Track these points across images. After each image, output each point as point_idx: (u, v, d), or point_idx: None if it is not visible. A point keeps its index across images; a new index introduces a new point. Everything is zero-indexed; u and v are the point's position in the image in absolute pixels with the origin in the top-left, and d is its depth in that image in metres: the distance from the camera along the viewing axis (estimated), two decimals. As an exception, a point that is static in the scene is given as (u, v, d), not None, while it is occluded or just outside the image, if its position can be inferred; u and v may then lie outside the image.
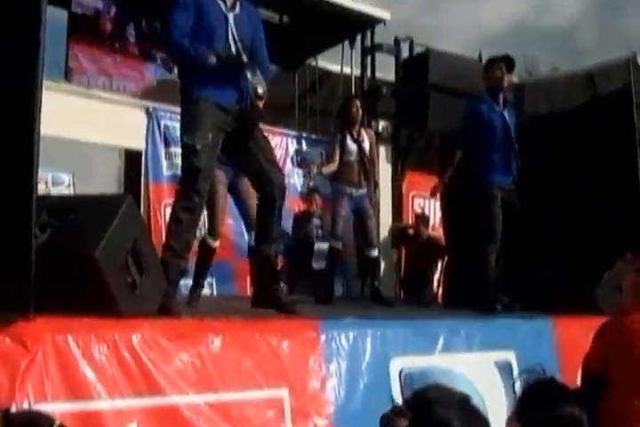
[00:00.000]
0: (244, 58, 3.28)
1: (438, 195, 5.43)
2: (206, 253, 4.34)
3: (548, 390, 1.68)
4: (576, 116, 5.74)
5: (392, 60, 8.05)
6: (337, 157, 5.10)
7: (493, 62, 4.91)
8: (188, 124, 3.25)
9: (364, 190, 5.14)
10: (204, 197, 3.26)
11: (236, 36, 3.29)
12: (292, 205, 6.96)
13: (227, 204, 4.49)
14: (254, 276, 3.84)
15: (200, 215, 3.29)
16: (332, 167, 5.13)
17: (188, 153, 3.18)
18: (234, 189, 4.41)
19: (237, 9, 3.35)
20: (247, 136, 3.33)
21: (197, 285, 4.30)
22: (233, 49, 3.27)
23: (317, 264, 6.10)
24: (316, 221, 6.68)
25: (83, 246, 2.45)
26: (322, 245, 6.15)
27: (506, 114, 4.87)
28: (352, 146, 5.13)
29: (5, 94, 2.31)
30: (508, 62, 4.86)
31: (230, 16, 3.30)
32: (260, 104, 3.51)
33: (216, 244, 4.35)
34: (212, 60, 3.17)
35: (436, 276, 7.15)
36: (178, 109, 6.07)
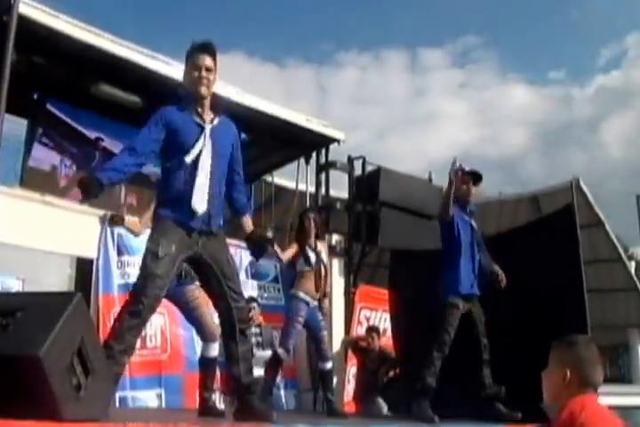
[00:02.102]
0: (216, 175, 3.35)
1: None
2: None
3: None
4: (522, 235, 5.98)
5: (345, 177, 8.38)
6: (295, 249, 5.25)
7: (462, 175, 5.09)
8: (154, 232, 3.29)
9: (316, 302, 5.19)
10: (154, 305, 3.21)
11: (210, 147, 3.35)
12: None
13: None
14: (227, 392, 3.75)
15: (146, 321, 3.21)
16: (289, 253, 5.22)
17: (149, 258, 3.19)
18: (184, 298, 4.40)
19: (216, 122, 3.45)
20: (212, 259, 3.37)
21: None
22: (207, 160, 3.31)
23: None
24: (254, 329, 6.66)
25: (28, 346, 2.39)
26: (260, 353, 6.10)
27: (474, 223, 5.11)
28: (312, 256, 5.25)
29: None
30: (474, 176, 5.12)
31: (207, 127, 3.39)
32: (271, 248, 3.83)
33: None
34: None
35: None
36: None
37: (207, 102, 3.45)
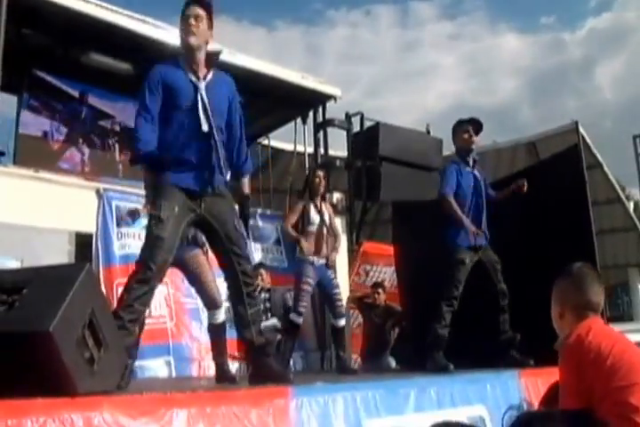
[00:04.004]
0: (214, 132, 3.31)
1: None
2: None
3: (539, 416, 1.68)
4: (526, 178, 5.94)
5: (343, 135, 8.31)
6: (298, 213, 5.26)
7: (461, 125, 5.07)
8: (154, 196, 3.27)
9: (323, 260, 5.19)
10: (162, 270, 3.20)
11: (207, 106, 3.30)
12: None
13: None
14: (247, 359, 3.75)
15: (153, 290, 3.20)
16: (292, 219, 5.26)
17: (152, 223, 3.17)
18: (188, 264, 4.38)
19: (209, 78, 3.38)
20: (217, 221, 3.35)
21: None
22: (204, 121, 3.28)
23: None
24: (263, 295, 6.70)
25: (36, 322, 2.38)
26: (266, 323, 6.16)
27: (477, 173, 5.06)
28: (315, 216, 5.26)
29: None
30: (475, 125, 5.06)
31: (201, 86, 3.33)
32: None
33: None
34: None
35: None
36: (129, 190, 6.15)
37: (201, 57, 3.39)
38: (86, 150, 7.83)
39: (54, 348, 2.34)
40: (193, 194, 3.28)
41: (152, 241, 3.14)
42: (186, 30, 3.33)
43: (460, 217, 4.83)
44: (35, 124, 7.46)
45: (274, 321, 5.94)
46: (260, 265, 7.04)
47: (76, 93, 7.80)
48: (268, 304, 6.65)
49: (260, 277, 6.81)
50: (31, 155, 7.07)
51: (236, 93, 3.56)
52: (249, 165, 3.65)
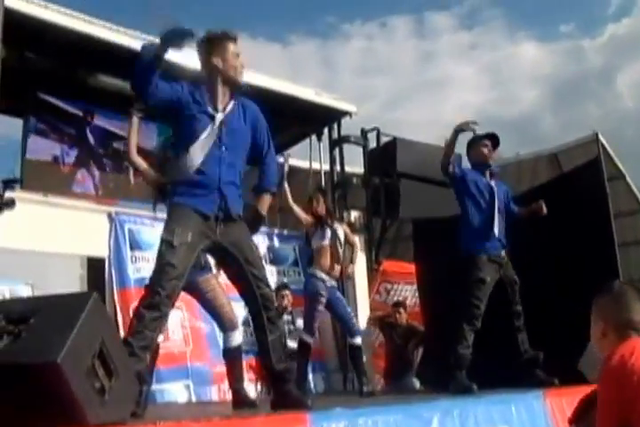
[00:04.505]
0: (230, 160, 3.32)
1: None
2: None
3: None
4: (547, 192, 5.87)
5: (360, 152, 8.27)
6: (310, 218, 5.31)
7: (478, 140, 5.02)
8: (169, 222, 3.23)
9: (334, 282, 5.17)
10: (172, 297, 3.15)
11: (223, 136, 3.32)
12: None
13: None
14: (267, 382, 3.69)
15: (166, 314, 3.16)
16: (303, 215, 5.28)
17: (164, 248, 3.13)
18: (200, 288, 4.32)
19: (230, 108, 3.40)
20: (233, 246, 3.30)
21: None
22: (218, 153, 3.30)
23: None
24: (286, 317, 6.64)
25: (44, 352, 2.33)
26: (291, 344, 6.11)
27: (494, 185, 4.98)
28: (327, 231, 5.25)
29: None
30: (493, 140, 5.02)
31: (218, 116, 3.34)
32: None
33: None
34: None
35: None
36: (142, 213, 6.13)
37: (225, 89, 3.42)
38: (96, 173, 7.78)
39: (63, 379, 2.29)
40: (208, 219, 3.24)
41: (162, 267, 3.10)
42: (238, 71, 3.41)
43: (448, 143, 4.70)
44: (44, 148, 7.44)
45: (294, 345, 5.89)
46: (285, 286, 7.00)
47: (81, 114, 7.75)
48: (292, 326, 6.60)
49: (284, 298, 6.78)
50: (42, 179, 7.06)
51: (258, 118, 3.56)
52: (268, 182, 3.58)
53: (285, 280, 7.56)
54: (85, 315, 2.40)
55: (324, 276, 5.13)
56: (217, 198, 3.27)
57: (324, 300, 5.09)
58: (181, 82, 3.36)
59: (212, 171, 3.26)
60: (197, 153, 3.25)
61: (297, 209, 5.24)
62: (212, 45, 3.40)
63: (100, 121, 7.81)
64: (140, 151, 4.15)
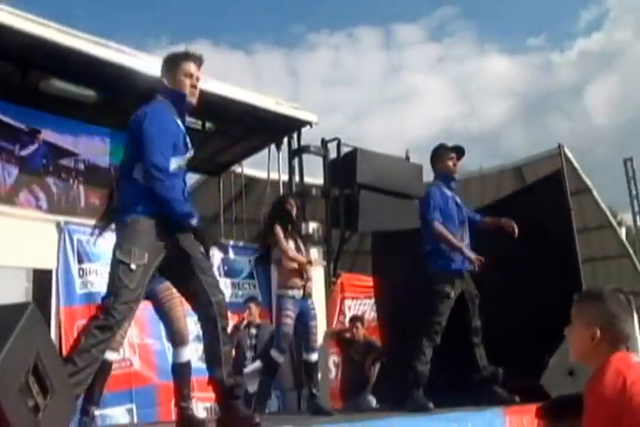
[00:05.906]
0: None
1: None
2: None
3: None
4: (508, 205, 5.95)
5: (320, 162, 8.28)
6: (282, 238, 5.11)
7: (447, 152, 5.14)
8: (123, 241, 3.18)
9: (301, 292, 5.12)
10: (127, 318, 3.14)
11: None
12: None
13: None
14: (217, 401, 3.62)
15: (114, 336, 3.14)
16: (284, 245, 5.10)
17: (120, 271, 3.08)
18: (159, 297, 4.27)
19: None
20: (184, 254, 3.27)
21: None
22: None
23: (250, 387, 5.83)
24: (253, 331, 6.59)
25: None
26: (251, 367, 6.06)
27: (457, 199, 5.13)
28: (293, 245, 5.15)
29: None
30: (460, 153, 5.16)
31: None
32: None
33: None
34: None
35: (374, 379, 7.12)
36: (92, 223, 6.03)
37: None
38: (42, 195, 7.40)
39: (-6, 396, 2.23)
40: (164, 232, 3.21)
41: (119, 290, 3.06)
42: (191, 93, 3.45)
43: (458, 245, 4.84)
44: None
45: (258, 364, 5.82)
46: (252, 299, 6.96)
47: (22, 127, 7.31)
48: (254, 341, 6.55)
49: (248, 311, 6.74)
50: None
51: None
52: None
53: (239, 293, 7.53)
54: (20, 328, 2.33)
55: (294, 292, 5.04)
56: (172, 210, 3.22)
57: (293, 316, 5.00)
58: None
59: (174, 181, 3.28)
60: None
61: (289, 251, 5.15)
62: (175, 62, 3.47)
63: (49, 136, 7.49)
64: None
